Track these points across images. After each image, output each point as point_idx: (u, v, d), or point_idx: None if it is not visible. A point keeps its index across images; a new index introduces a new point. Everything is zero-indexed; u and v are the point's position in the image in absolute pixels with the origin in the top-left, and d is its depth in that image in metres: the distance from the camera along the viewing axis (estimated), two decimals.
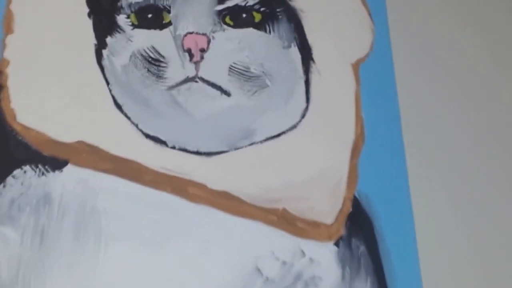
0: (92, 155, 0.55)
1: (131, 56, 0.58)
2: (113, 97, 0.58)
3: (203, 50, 0.57)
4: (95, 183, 0.53)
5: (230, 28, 0.60)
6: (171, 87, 0.58)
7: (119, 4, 0.59)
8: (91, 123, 0.57)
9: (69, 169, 0.54)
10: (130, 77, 0.58)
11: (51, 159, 0.53)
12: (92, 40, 0.59)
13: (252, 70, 0.59)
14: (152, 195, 0.54)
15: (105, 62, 0.59)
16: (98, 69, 0.58)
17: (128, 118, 0.57)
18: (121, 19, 0.60)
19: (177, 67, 0.58)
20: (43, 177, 0.52)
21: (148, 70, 0.58)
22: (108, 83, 0.59)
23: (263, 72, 0.59)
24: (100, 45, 0.59)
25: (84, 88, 0.58)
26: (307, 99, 0.61)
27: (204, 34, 0.58)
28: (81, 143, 0.56)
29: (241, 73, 0.59)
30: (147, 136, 0.57)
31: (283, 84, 0.60)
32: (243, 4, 0.60)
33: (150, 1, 0.59)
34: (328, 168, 0.59)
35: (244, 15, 0.60)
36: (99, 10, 0.60)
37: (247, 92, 0.58)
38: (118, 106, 0.58)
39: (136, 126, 0.57)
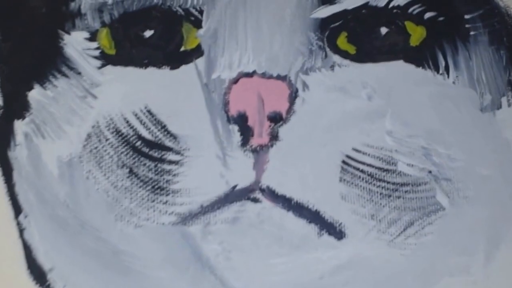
0: None
1: (89, 136, 0.40)
2: (26, 247, 0.40)
3: (279, 119, 0.38)
4: None
5: (347, 62, 0.40)
6: (190, 217, 0.39)
7: (72, 4, 0.41)
8: None
9: None
10: (80, 191, 0.40)
11: None
12: None
13: (401, 166, 0.39)
14: None
15: (16, 154, 0.41)
16: None
17: None
18: (75, 40, 0.41)
19: (208, 164, 0.39)
20: None
21: (132, 171, 0.39)
22: (17, 211, 0.41)
23: (430, 172, 0.40)
24: (10, 109, 0.42)
25: None
26: None
27: (282, 78, 0.39)
28: None
29: (374, 177, 0.39)
30: None
31: (483, 203, 0.40)
32: (380, 3, 0.41)
33: None
34: None
35: (383, 30, 0.41)
36: (19, 20, 0.43)
37: (386, 226, 0.39)
38: (38, 275, 0.40)
39: None
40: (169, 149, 0.39)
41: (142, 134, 0.39)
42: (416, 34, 0.40)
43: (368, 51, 0.40)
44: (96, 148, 0.40)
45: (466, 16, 0.41)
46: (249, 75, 0.38)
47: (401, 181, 0.39)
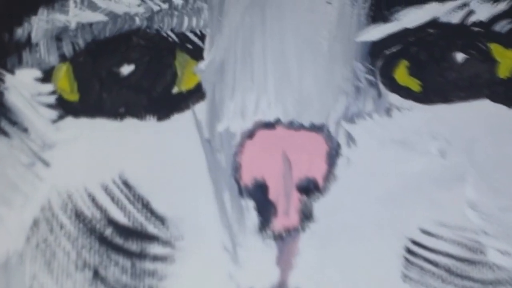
0: None
1: (36, 224, 0.33)
2: None
3: (313, 190, 0.33)
4: None
5: (410, 103, 0.35)
6: None
7: (19, 31, 0.36)
8: None
9: None
10: None
11: None
12: None
13: (492, 255, 0.32)
14: None
15: None
16: None
17: None
18: (21, 82, 0.36)
19: (210, 259, 0.33)
20: None
21: (97, 274, 0.33)
22: None
23: None
24: None
25: None
26: None
27: (317, 129, 0.33)
28: None
29: (452, 272, 0.32)
30: None
31: None
32: (454, 19, 0.35)
33: (135, 20, 0.35)
34: None
35: (460, 57, 0.35)
36: None
37: None
38: None
39: None
40: (153, 238, 0.33)
41: (115, 218, 0.33)
42: (507, 61, 0.34)
43: (438, 87, 0.34)
44: (45, 240, 0.33)
45: None
46: (270, 125, 0.33)
47: (493, 278, 0.32)
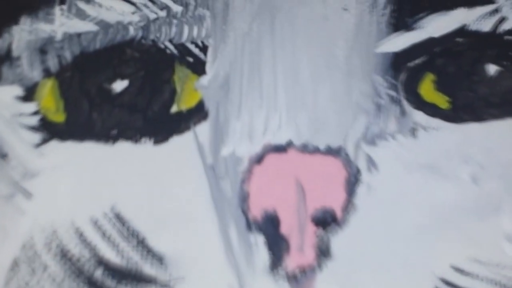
0: None
1: (16, 264, 0.31)
2: None
3: (330, 222, 0.31)
4: None
5: (437, 122, 0.32)
6: None
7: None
8: None
9: None
10: None
11: None
12: None
13: None
14: None
15: None
16: None
17: None
18: (1, 102, 0.34)
19: None
20: None
21: None
22: None
23: None
24: None
25: None
26: None
27: (333, 153, 0.31)
28: None
29: None
30: None
31: None
32: (484, 27, 0.33)
33: (129, 29, 0.32)
34: None
35: (492, 69, 0.33)
36: None
37: None
38: None
39: None
40: (150, 280, 0.30)
41: (106, 257, 0.30)
42: None
43: (468, 103, 0.32)
44: (27, 284, 0.31)
45: None
46: (282, 149, 0.31)
47: None
